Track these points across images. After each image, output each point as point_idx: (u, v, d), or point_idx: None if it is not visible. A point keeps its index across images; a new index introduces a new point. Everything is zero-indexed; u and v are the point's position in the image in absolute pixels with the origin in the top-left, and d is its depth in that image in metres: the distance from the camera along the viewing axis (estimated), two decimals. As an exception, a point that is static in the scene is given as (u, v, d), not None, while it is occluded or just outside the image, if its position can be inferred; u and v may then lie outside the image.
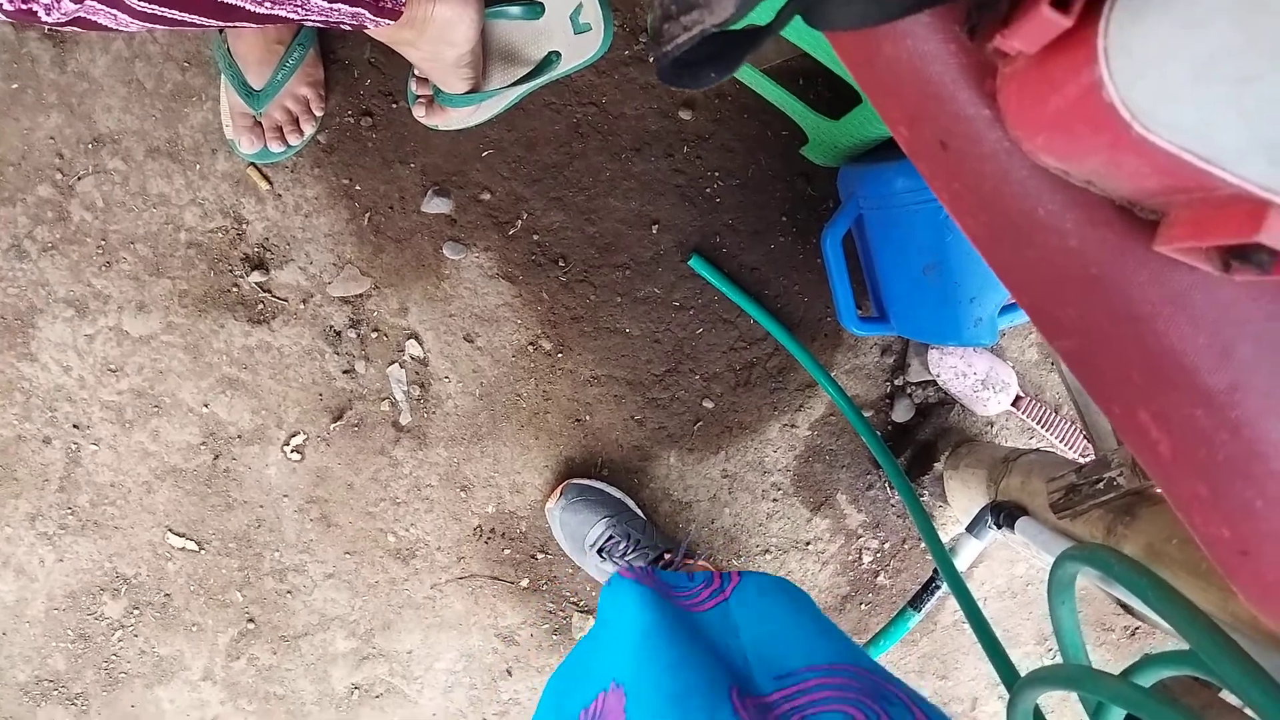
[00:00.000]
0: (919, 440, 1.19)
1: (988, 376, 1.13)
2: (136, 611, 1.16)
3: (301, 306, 1.05)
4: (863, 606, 1.29)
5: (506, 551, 1.18)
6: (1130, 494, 0.72)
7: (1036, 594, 1.32)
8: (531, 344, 1.09)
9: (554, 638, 1.23)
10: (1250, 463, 0.35)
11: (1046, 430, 1.18)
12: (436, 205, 1.01)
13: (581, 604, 1.22)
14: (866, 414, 1.18)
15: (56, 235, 0.99)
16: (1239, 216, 0.27)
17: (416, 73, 0.96)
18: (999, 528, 0.92)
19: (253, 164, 0.99)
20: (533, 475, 1.15)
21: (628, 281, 1.08)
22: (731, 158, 1.05)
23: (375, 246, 1.03)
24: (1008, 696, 0.63)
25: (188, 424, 1.08)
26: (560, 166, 1.03)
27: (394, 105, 0.99)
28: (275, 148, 0.95)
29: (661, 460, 1.17)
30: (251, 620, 1.18)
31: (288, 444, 1.10)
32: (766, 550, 1.23)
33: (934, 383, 1.17)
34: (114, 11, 0.57)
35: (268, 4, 0.62)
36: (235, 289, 1.03)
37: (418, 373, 1.09)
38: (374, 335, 1.07)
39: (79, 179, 0.98)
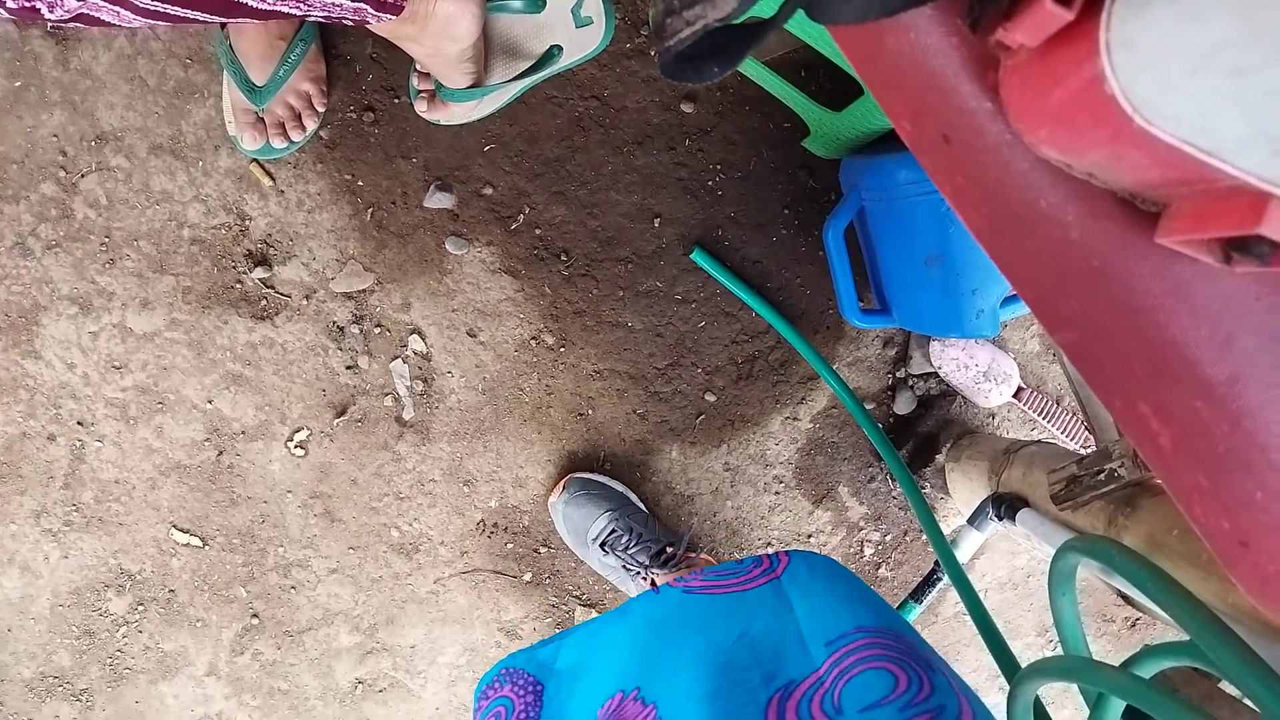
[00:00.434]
0: (920, 432, 1.20)
1: (989, 368, 1.13)
2: (141, 607, 1.16)
3: (304, 302, 1.05)
4: (865, 599, 1.29)
5: (509, 546, 1.18)
6: (1131, 485, 0.72)
7: (1038, 585, 1.32)
8: (534, 338, 1.09)
9: (557, 631, 1.23)
10: (1250, 454, 0.35)
11: (1048, 422, 1.18)
12: (439, 200, 1.02)
13: (584, 598, 1.23)
14: (868, 406, 1.18)
15: (60, 233, 0.99)
16: (1240, 208, 0.27)
17: (418, 68, 0.95)
18: (1000, 519, 0.93)
19: (255, 160, 0.99)
20: (535, 470, 1.15)
21: (630, 275, 1.08)
22: (733, 150, 1.05)
23: (378, 242, 1.04)
24: (1008, 688, 0.63)
25: (192, 420, 1.08)
26: (562, 160, 1.03)
27: (396, 100, 0.99)
28: (278, 144, 0.95)
29: (664, 454, 1.17)
30: (255, 615, 1.18)
31: (291, 440, 1.10)
32: (768, 543, 1.24)
33: (936, 375, 1.18)
34: (117, 8, 0.57)
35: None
36: (238, 285, 1.03)
37: (421, 368, 1.09)
38: (377, 331, 1.07)
39: (82, 176, 0.98)
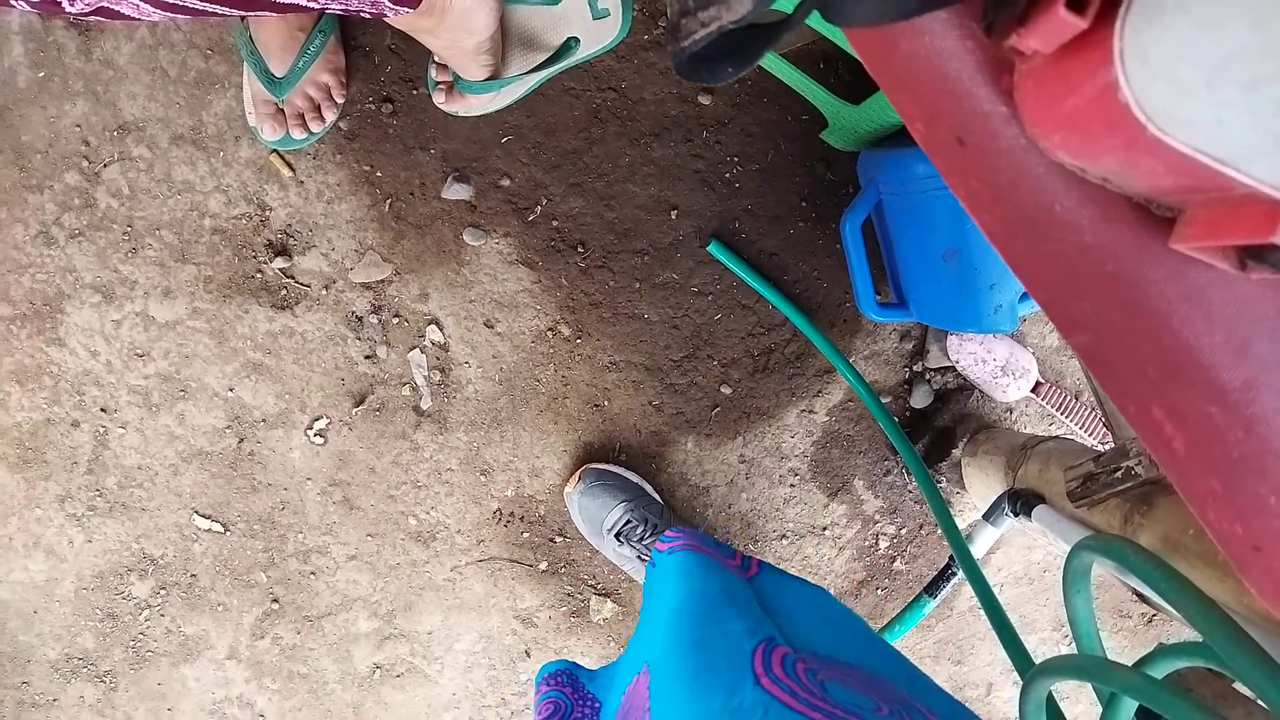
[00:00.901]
0: (937, 426, 1.19)
1: (1007, 363, 1.12)
2: (163, 591, 1.18)
3: (324, 292, 1.06)
4: (879, 592, 1.29)
5: (525, 535, 1.19)
6: (1148, 483, 0.72)
7: (1053, 580, 1.32)
8: (550, 329, 1.10)
9: (572, 620, 1.24)
10: (1264, 459, 0.35)
11: (1066, 417, 1.18)
12: (457, 191, 1.02)
13: (599, 587, 1.24)
14: (885, 400, 1.18)
15: (83, 222, 1.00)
16: (1255, 217, 0.27)
17: (436, 59, 0.96)
18: (1016, 515, 0.92)
19: (275, 151, 1.00)
20: (551, 460, 1.16)
21: (646, 267, 1.08)
22: (751, 143, 1.05)
23: (396, 233, 1.04)
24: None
25: (213, 408, 1.09)
26: (579, 152, 1.03)
27: (414, 91, 0.99)
28: (297, 134, 0.96)
29: (679, 445, 1.17)
30: (276, 600, 1.20)
31: (311, 428, 1.11)
32: (783, 535, 1.24)
33: (953, 369, 1.17)
34: (136, 1, 0.57)
35: (289, -5, 0.62)
36: (259, 275, 1.04)
37: (438, 358, 1.10)
38: (395, 321, 1.08)
39: (105, 166, 0.99)
